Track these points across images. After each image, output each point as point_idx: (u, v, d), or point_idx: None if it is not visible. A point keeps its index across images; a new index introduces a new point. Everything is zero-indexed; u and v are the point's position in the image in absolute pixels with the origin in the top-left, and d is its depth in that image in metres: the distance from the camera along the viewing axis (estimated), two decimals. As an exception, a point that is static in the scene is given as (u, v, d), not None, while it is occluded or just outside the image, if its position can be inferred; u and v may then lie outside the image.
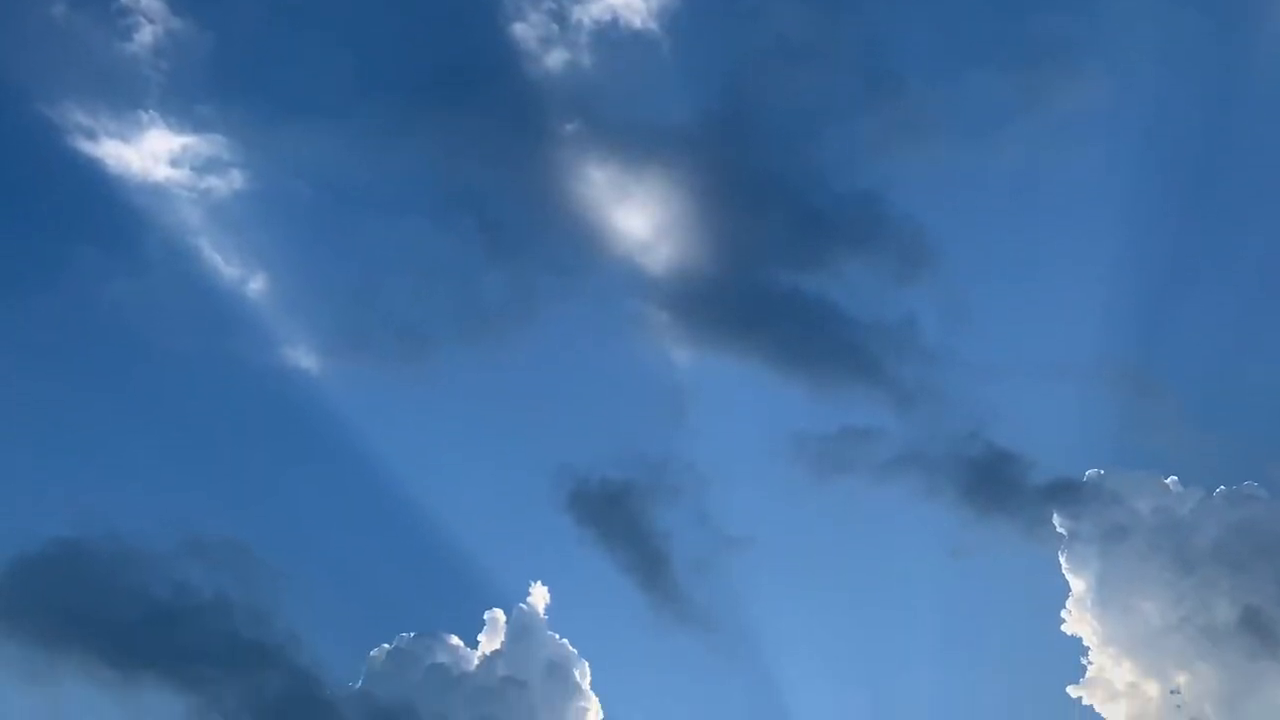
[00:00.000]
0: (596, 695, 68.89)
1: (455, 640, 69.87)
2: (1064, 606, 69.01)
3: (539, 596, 70.49)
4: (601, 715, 68.27)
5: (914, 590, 79.35)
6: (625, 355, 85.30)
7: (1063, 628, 68.66)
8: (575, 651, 69.97)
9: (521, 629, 69.97)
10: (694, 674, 78.02)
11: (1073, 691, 66.98)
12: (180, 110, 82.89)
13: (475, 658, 69.20)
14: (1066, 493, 71.96)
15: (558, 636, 70.27)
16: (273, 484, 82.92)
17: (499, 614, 70.47)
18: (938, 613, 77.39)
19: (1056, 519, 70.17)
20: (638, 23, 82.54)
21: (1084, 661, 67.93)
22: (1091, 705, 66.43)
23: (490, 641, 70.02)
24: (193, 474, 79.81)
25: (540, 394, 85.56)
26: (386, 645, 69.41)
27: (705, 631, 74.67)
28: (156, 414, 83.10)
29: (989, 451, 74.53)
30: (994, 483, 73.86)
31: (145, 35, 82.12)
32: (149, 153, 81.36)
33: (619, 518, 75.13)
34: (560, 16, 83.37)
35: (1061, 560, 68.91)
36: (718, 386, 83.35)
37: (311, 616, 69.96)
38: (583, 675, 68.84)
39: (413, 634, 70.08)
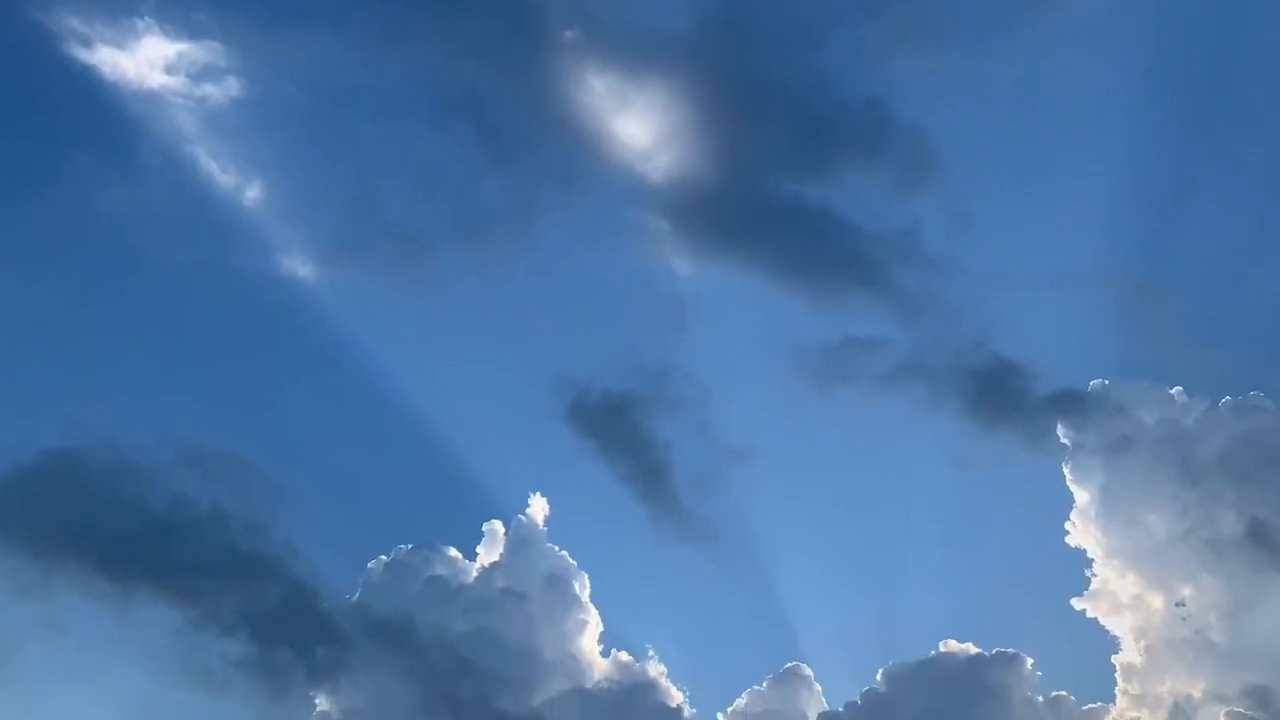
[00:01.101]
0: (596, 607, 67.77)
1: (453, 552, 68.58)
2: (1068, 518, 67.51)
3: (538, 508, 69.01)
4: (601, 627, 66.95)
5: (917, 502, 79.28)
6: (625, 264, 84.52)
7: (1066, 539, 67.24)
8: (575, 563, 68.74)
9: (520, 541, 68.64)
10: (695, 586, 77.83)
11: (1076, 604, 65.64)
12: (176, 16, 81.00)
13: (473, 570, 67.94)
14: (1071, 403, 70.46)
15: (557, 548, 68.92)
16: (269, 394, 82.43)
17: (497, 526, 69.12)
18: (941, 524, 77.44)
19: (1060, 430, 68.74)
20: (637, -73, 79.74)
21: (1088, 574, 66.59)
22: (1095, 618, 64.82)
23: (489, 553, 68.63)
24: (189, 384, 79.34)
25: (539, 303, 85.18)
26: (384, 557, 68.29)
27: (706, 543, 74.05)
28: (152, 323, 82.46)
29: (993, 362, 73.26)
30: (998, 393, 72.60)
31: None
32: (144, 59, 79.54)
33: (619, 429, 73.93)
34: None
35: (1065, 471, 67.50)
36: (719, 296, 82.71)
37: (308, 528, 69.37)
38: (582, 587, 67.67)
39: (410, 546, 68.90)
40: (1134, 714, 62.76)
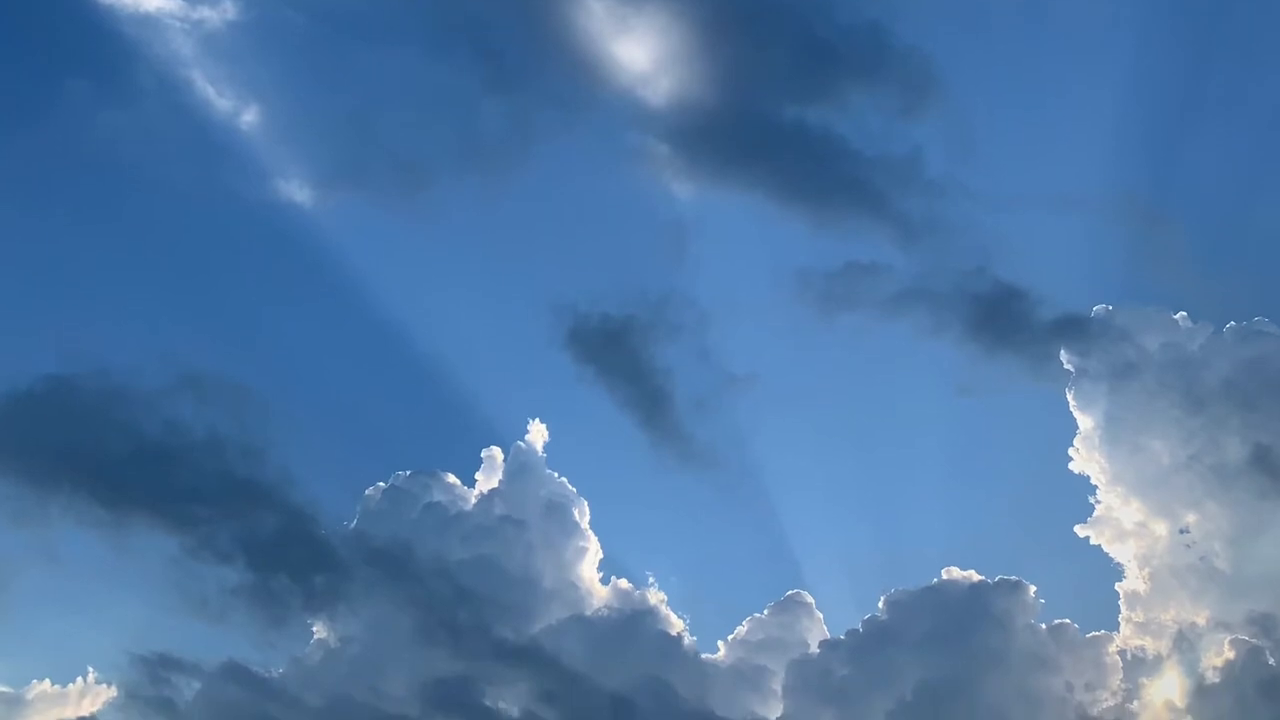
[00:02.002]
0: (596, 534, 66.50)
1: (452, 478, 67.38)
2: (1071, 445, 65.85)
3: (537, 434, 67.73)
4: (601, 555, 65.74)
5: (919, 428, 78.73)
6: (625, 189, 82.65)
7: (1070, 466, 65.65)
8: (574, 490, 67.43)
9: (519, 467, 67.41)
10: (695, 513, 77.36)
11: (1079, 531, 64.32)
12: (172, -61, 78.32)
13: (472, 496, 66.71)
14: (1074, 329, 68.79)
15: (556, 475, 67.69)
16: (266, 319, 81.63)
17: (496, 452, 67.78)
18: (943, 451, 77.08)
19: (1064, 355, 66.99)
20: None
21: (1091, 500, 65.04)
22: (1099, 545, 63.60)
23: (488, 480, 67.35)
24: (185, 309, 78.52)
25: (539, 228, 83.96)
26: (382, 483, 67.08)
27: (707, 470, 73.02)
28: (148, 248, 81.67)
29: (996, 287, 71.21)
30: (1001, 319, 70.81)
31: None
32: (140, -19, 76.95)
33: (619, 354, 72.39)
34: None
35: (1069, 397, 65.93)
36: (720, 221, 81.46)
37: (306, 454, 68.71)
38: (582, 514, 66.37)
39: (409, 472, 67.72)
40: (1138, 642, 61.80)
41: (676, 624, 63.71)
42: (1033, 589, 62.16)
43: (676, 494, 77.54)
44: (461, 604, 62.27)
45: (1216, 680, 58.53)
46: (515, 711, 60.36)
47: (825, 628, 64.48)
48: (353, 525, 65.64)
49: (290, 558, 63.41)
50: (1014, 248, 73.56)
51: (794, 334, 79.11)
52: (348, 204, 79.99)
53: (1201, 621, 61.06)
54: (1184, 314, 66.97)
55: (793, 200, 74.91)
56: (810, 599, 65.48)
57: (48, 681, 64.52)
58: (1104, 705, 60.07)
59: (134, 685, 62.35)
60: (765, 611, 65.64)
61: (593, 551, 65.79)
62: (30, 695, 64.24)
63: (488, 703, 60.35)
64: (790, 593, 66.12)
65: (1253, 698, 57.33)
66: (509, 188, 79.97)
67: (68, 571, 66.11)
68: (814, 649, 63.43)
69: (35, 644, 68.80)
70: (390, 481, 67.03)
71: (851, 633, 63.85)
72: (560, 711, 59.95)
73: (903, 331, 74.87)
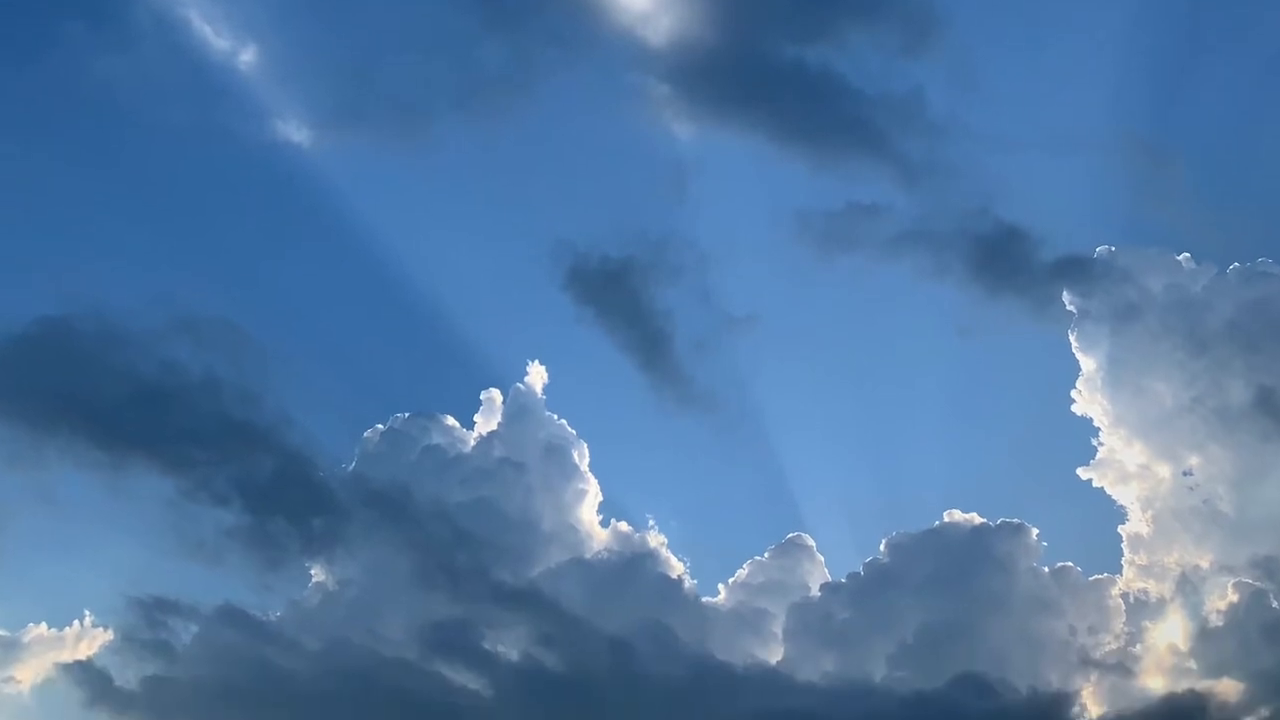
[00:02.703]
0: (595, 477, 65.19)
1: (451, 421, 66.07)
2: (1074, 387, 64.55)
3: (536, 376, 66.47)
4: (600, 497, 64.54)
5: (921, 370, 77.75)
6: (625, 129, 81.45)
7: (1073, 408, 64.38)
8: (574, 432, 66.14)
9: (519, 409, 66.22)
10: (695, 455, 76.53)
11: (1082, 473, 63.14)
12: (167, -124, 76.65)
13: (471, 439, 65.52)
14: (1077, 270, 67.37)
15: (556, 417, 66.34)
16: (264, 261, 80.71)
17: (495, 394, 66.56)
18: (944, 393, 75.98)
19: (1066, 297, 65.72)
20: None
21: (1094, 443, 63.73)
22: (1102, 487, 62.45)
23: (486, 422, 66.16)
24: (182, 251, 77.26)
25: (538, 169, 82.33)
26: (380, 426, 65.90)
27: (707, 412, 72.15)
28: (145, 190, 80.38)
29: (997, 227, 70.04)
30: (1002, 260, 69.75)
31: None
32: (135, -81, 75.40)
33: (619, 296, 71.09)
34: None
35: (1071, 339, 64.75)
36: (720, 162, 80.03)
37: (303, 396, 67.63)
38: (581, 457, 65.20)
39: (407, 414, 66.45)
40: (1141, 585, 60.88)
41: (677, 567, 62.81)
42: (1035, 532, 61.27)
43: (677, 436, 76.85)
44: (460, 547, 61.31)
45: (1220, 623, 57.89)
46: (514, 655, 59.60)
47: (826, 571, 63.60)
48: (350, 468, 64.59)
49: (288, 500, 62.55)
50: (1016, 188, 72.55)
51: (794, 275, 78.10)
52: (346, 144, 78.79)
53: (1205, 564, 60.16)
54: (1187, 255, 65.76)
55: (793, 140, 73.82)
56: (811, 542, 64.53)
57: (44, 625, 63.78)
58: (1107, 648, 59.40)
59: (130, 628, 61.61)
60: (766, 554, 64.71)
61: (592, 494, 64.67)
62: (26, 638, 63.48)
63: (486, 646, 59.66)
64: (791, 536, 65.16)
65: (1256, 640, 56.71)
66: (508, 128, 79.17)
67: (64, 514, 65.32)
68: (815, 592, 62.57)
69: (31, 587, 67.92)
70: (389, 424, 65.90)
71: (852, 576, 63.04)
72: (559, 655, 59.15)
73: (903, 272, 73.94)
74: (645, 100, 75.90)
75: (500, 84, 76.39)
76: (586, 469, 64.99)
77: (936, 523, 62.75)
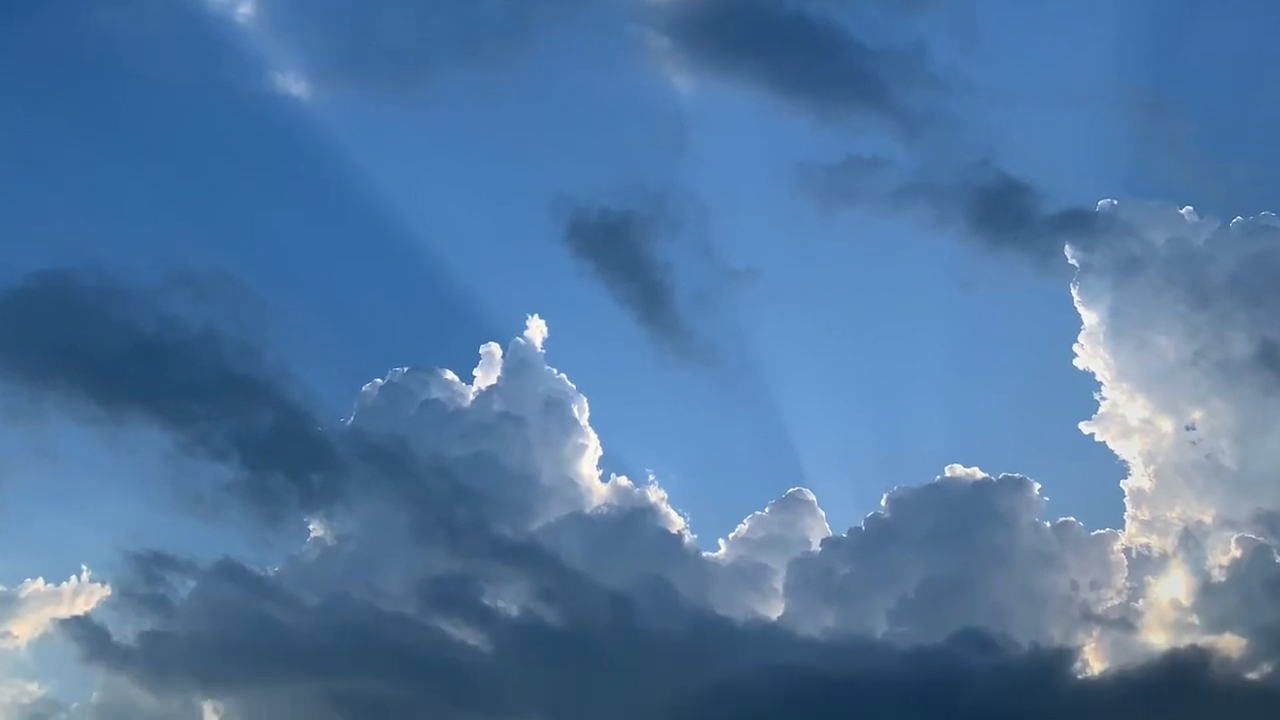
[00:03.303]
0: (595, 431, 64.32)
1: (450, 375, 65.25)
2: (1076, 340, 63.56)
3: (536, 330, 65.62)
4: (600, 452, 63.69)
5: (921, 323, 77.30)
6: (625, 82, 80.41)
7: (1074, 362, 63.37)
8: (573, 386, 65.23)
9: (518, 364, 65.33)
10: (695, 409, 76.03)
11: (1084, 428, 62.29)
12: None
13: (470, 393, 64.69)
14: (1079, 223, 66.33)
15: (555, 371, 65.47)
16: (263, 214, 79.78)
17: (495, 348, 65.64)
18: (946, 347, 75.67)
19: (1068, 250, 64.72)
20: None
21: (1096, 397, 62.82)
22: (1104, 442, 61.56)
23: (486, 376, 65.27)
24: (181, 205, 76.49)
25: (537, 121, 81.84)
26: (379, 380, 65.10)
27: (708, 366, 71.68)
28: (143, 143, 79.54)
29: (999, 181, 68.89)
30: (1004, 213, 68.72)
31: None
32: None
33: (619, 249, 70.32)
34: None
35: (1073, 293, 63.78)
36: (720, 115, 78.72)
37: (302, 350, 67.07)
38: (581, 411, 64.39)
39: (406, 368, 65.63)
40: (1143, 540, 60.07)
41: (677, 522, 61.93)
42: (1037, 487, 60.46)
43: (676, 389, 76.42)
44: (459, 502, 60.50)
45: (1223, 579, 57.14)
46: (514, 610, 58.85)
47: (827, 525, 62.72)
48: (349, 422, 63.72)
49: (286, 455, 61.89)
50: (1018, 141, 71.74)
51: (795, 228, 76.94)
52: (345, 97, 77.93)
53: (1208, 519, 59.34)
54: (1190, 208, 64.87)
55: (794, 93, 72.86)
56: (812, 496, 63.72)
57: (41, 580, 63.28)
58: (1109, 604, 58.70)
59: (128, 583, 60.97)
60: (766, 509, 63.78)
61: (592, 449, 63.83)
62: (23, 594, 63.08)
63: (486, 601, 58.93)
64: (791, 490, 64.22)
65: (1259, 596, 55.88)
66: (508, 79, 78.12)
67: (62, 469, 64.81)
68: (815, 547, 61.69)
69: (29, 542, 67.33)
70: (387, 378, 65.10)
71: (854, 530, 62.17)
72: (559, 610, 58.32)
73: (905, 226, 72.89)
74: (645, 53, 75.20)
75: (500, 36, 75.66)
76: (586, 423, 64.25)
77: (938, 477, 62.05)
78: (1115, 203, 65.82)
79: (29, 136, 76.52)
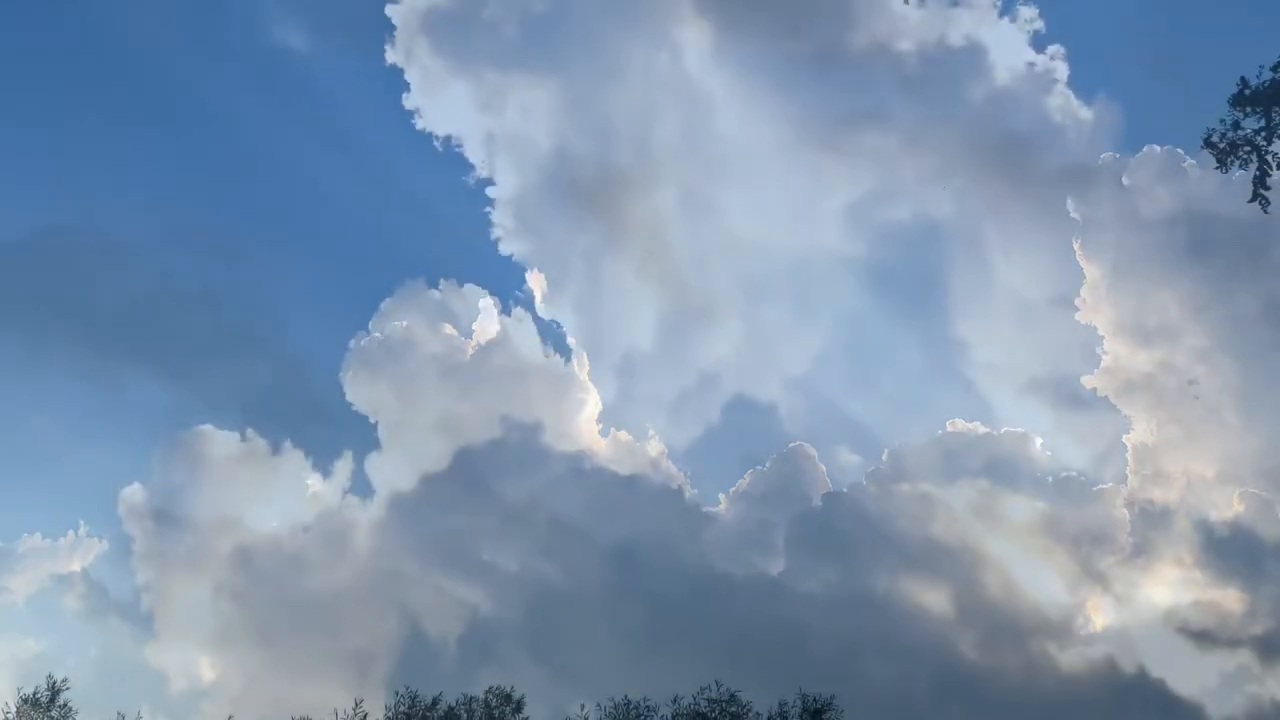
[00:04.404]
0: (595, 386, 63.02)
1: (449, 330, 63.71)
2: (1078, 295, 61.63)
3: (536, 284, 64.97)
4: (600, 407, 62.00)
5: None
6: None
7: (1077, 316, 61.51)
8: (574, 341, 65.08)
9: (517, 318, 64.16)
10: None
11: (1087, 382, 60.72)
12: None
13: (469, 347, 63.35)
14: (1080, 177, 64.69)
15: (557, 325, 64.16)
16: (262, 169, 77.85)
17: (491, 302, 64.94)
18: None
19: (1070, 204, 62.67)
20: None
21: (1098, 351, 60.95)
22: (1106, 396, 60.31)
23: (485, 331, 64.04)
24: (180, 161, 74.83)
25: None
26: (378, 335, 64.01)
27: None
28: (141, 98, 77.78)
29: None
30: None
31: None
32: None
33: (619, 206, 68.60)
34: None
35: (1075, 247, 61.86)
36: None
37: (300, 302, 65.57)
38: (581, 366, 62.95)
39: (405, 323, 64.11)
40: (1146, 494, 58.62)
41: (677, 477, 60.47)
42: (1039, 440, 59.20)
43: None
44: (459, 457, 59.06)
45: (1225, 533, 55.84)
46: (513, 565, 57.50)
47: (828, 480, 61.18)
48: (347, 375, 62.53)
49: (286, 411, 60.72)
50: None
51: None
52: (338, 48, 75.99)
53: (1210, 474, 58.10)
54: (1193, 163, 62.96)
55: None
56: (813, 451, 62.04)
57: (38, 534, 62.20)
58: (1112, 558, 57.42)
59: (126, 539, 59.81)
60: (767, 465, 62.19)
61: (592, 404, 62.34)
62: (21, 549, 62.42)
63: (485, 557, 57.54)
64: (792, 445, 62.71)
65: (1261, 550, 54.79)
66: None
67: (60, 423, 63.53)
68: (816, 502, 60.21)
69: (26, 497, 66.27)
70: (386, 328, 63.83)
71: (855, 486, 60.87)
72: (559, 565, 57.04)
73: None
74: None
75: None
76: (586, 378, 62.77)
77: (940, 432, 61.07)
78: (1117, 156, 64.45)
79: (26, 91, 75.31)
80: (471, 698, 37.24)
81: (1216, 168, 23.27)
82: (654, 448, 61.94)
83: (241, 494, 61.30)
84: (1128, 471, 59.68)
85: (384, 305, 67.23)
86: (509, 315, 64.62)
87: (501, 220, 69.72)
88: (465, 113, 74.20)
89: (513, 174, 71.05)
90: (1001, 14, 71.23)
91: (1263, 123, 22.62)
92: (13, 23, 74.28)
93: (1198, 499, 57.41)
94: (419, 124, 70.48)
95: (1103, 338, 61.32)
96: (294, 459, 60.93)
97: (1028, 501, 57.92)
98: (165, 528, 59.48)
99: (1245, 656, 53.50)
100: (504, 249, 69.57)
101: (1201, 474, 58.25)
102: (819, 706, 35.99)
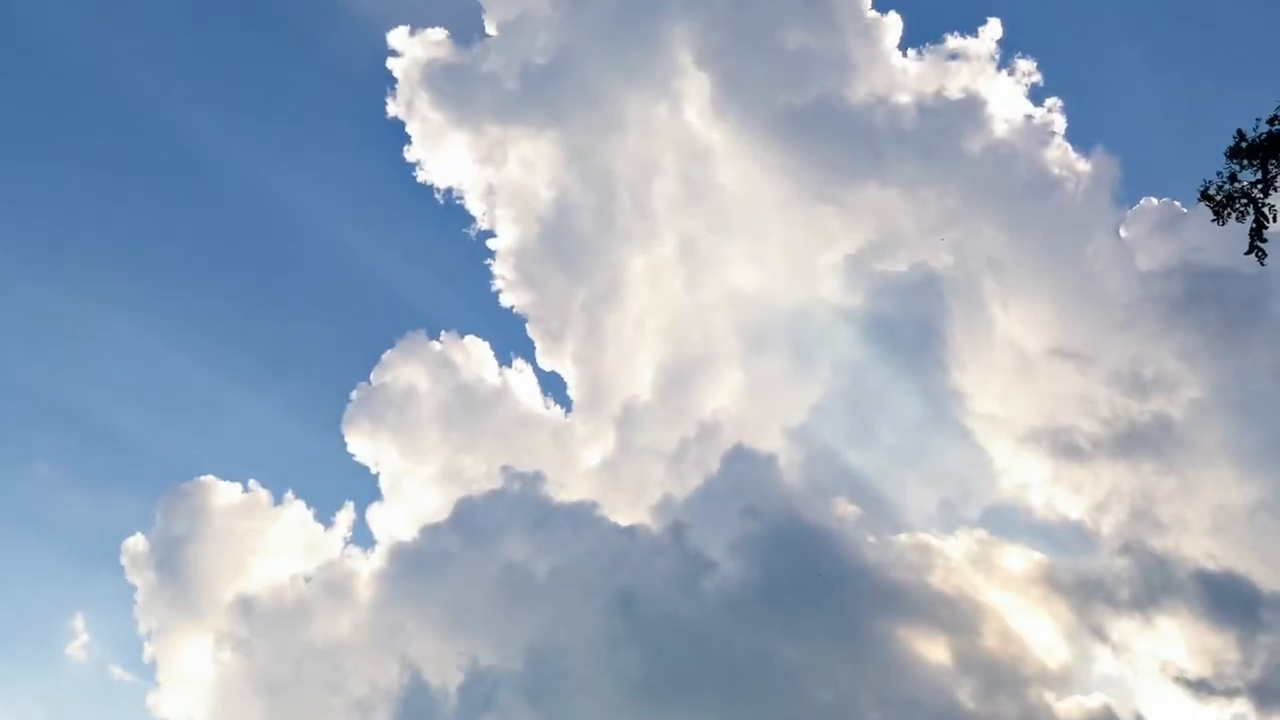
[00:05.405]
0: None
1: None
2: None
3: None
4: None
5: None
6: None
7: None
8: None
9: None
10: None
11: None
12: None
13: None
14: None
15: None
16: None
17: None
18: None
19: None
20: None
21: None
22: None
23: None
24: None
25: None
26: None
27: None
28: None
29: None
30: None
31: None
32: None
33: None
34: None
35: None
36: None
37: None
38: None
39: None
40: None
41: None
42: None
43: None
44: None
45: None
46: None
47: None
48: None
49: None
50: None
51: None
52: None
53: (1207, 525, 58.08)
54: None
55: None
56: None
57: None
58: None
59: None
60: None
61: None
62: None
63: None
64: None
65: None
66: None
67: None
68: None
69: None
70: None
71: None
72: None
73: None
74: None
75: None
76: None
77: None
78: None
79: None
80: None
81: (1213, 220, 23.19)
82: (654, 497, 61.48)
83: (243, 544, 60.83)
84: (1125, 521, 59.52)
85: (385, 356, 67.26)
86: (509, 366, 64.61)
87: (502, 272, 69.66)
88: (466, 165, 73.61)
89: (513, 226, 70.54)
90: (1000, 67, 70.63)
91: (1259, 175, 22.52)
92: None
93: (1194, 549, 57.13)
94: (420, 176, 70.86)
95: (1101, 388, 61.40)
96: (296, 509, 60.64)
97: (1025, 551, 57.57)
98: (167, 578, 59.11)
99: (1242, 705, 53.15)
100: (505, 300, 69.48)
101: (1198, 524, 58.00)
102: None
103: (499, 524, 57.56)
